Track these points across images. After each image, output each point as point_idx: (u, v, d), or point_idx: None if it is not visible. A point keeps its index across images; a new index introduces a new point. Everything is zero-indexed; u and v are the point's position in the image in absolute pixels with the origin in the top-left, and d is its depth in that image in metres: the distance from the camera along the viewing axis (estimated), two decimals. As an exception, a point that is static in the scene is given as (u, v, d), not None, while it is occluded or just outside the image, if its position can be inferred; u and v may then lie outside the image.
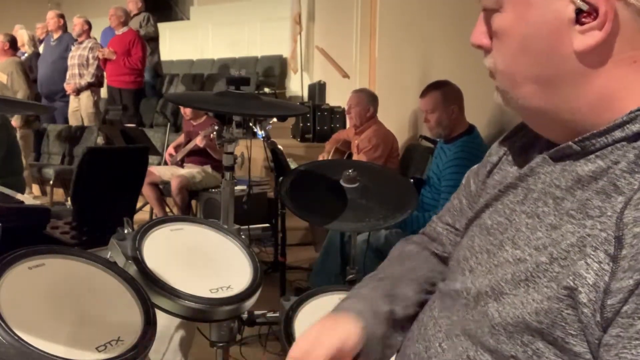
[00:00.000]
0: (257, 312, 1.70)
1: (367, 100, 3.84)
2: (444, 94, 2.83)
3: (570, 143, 0.64)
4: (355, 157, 3.81)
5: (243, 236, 1.40)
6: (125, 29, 6.41)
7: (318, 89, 6.20)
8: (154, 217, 4.41)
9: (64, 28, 6.76)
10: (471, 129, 2.83)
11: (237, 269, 1.29)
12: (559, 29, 0.61)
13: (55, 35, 6.70)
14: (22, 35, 7.05)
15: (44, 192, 6.02)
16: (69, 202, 3.32)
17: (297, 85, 7.34)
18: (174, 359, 1.46)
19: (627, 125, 0.59)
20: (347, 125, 4.79)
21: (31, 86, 5.89)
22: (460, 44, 3.49)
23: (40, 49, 7.11)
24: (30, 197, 4.51)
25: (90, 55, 6.25)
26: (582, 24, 0.59)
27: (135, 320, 1.01)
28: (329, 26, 6.58)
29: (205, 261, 1.29)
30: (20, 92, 5.67)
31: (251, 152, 2.29)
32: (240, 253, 1.34)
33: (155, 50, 7.13)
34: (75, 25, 6.36)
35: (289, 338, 1.28)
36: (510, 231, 0.68)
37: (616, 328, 0.53)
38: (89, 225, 2.03)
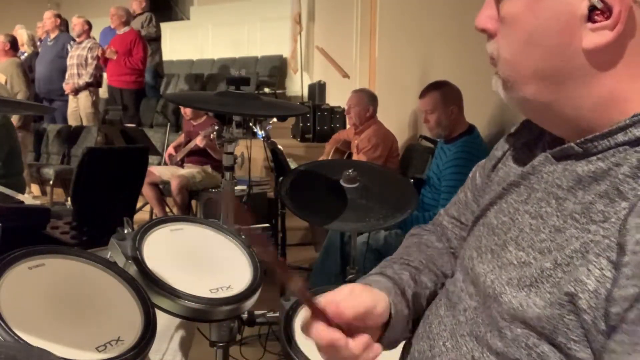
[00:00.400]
0: (257, 312, 1.70)
1: (367, 100, 3.84)
2: (443, 95, 2.84)
3: (572, 144, 0.63)
4: (355, 157, 3.81)
5: (243, 236, 1.40)
6: (126, 28, 6.40)
7: (318, 89, 6.20)
8: (154, 217, 4.41)
9: (60, 28, 6.77)
10: (471, 129, 2.83)
11: (237, 269, 1.28)
12: (570, 25, 0.59)
13: (52, 35, 6.71)
14: (21, 35, 7.06)
15: (43, 192, 6.01)
16: (69, 202, 3.32)
17: (297, 85, 7.34)
18: (173, 359, 1.45)
19: (630, 129, 0.59)
20: (347, 125, 4.79)
21: (30, 87, 5.90)
22: (460, 44, 3.49)
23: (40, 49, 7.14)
24: (30, 197, 4.50)
25: (89, 55, 6.25)
26: (594, 21, 0.58)
27: (135, 320, 1.01)
28: (329, 26, 6.58)
29: (205, 261, 1.29)
30: (20, 94, 5.66)
31: (251, 152, 2.29)
32: (240, 253, 1.34)
33: (157, 51, 7.12)
34: (75, 25, 6.36)
35: (289, 338, 1.28)
36: (513, 231, 0.67)
37: (620, 334, 0.52)
38: (89, 225, 2.03)
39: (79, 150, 5.73)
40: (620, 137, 0.59)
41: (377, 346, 0.71)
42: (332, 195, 1.78)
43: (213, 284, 1.20)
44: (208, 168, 4.41)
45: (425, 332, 0.75)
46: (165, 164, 4.78)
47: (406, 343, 0.80)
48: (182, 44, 8.94)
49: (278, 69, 7.92)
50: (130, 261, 1.14)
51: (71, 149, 5.99)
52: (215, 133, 1.72)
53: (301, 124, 5.40)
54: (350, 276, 1.84)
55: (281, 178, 1.95)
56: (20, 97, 5.65)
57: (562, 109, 0.63)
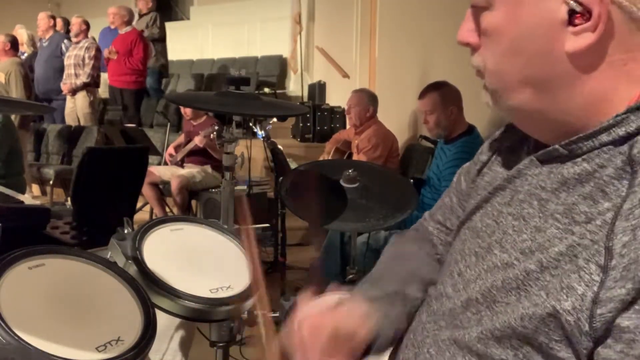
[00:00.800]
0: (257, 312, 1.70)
1: (367, 100, 3.84)
2: (442, 95, 2.84)
3: (557, 146, 0.63)
4: (355, 157, 3.81)
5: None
6: (128, 28, 6.38)
7: (318, 89, 6.20)
8: (154, 217, 4.41)
9: (55, 28, 6.78)
10: (471, 129, 2.83)
11: (237, 269, 1.28)
12: (551, 30, 0.60)
13: (47, 36, 6.72)
14: (21, 35, 7.06)
15: (44, 192, 6.01)
16: (69, 202, 3.32)
17: (297, 85, 7.33)
18: (173, 359, 1.45)
19: (614, 129, 0.59)
20: (347, 125, 4.79)
21: (29, 87, 5.89)
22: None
23: (40, 49, 7.15)
24: (30, 197, 4.51)
25: (86, 55, 6.22)
26: (574, 25, 0.59)
27: (135, 320, 1.01)
28: (329, 26, 6.57)
29: (205, 261, 1.29)
30: (19, 94, 5.66)
31: (251, 152, 2.29)
32: (240, 253, 1.34)
33: (162, 52, 7.04)
34: (73, 25, 6.36)
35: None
36: (497, 234, 0.67)
37: (619, 343, 0.52)
38: (89, 225, 2.03)
39: (79, 150, 5.73)
40: (604, 138, 0.60)
41: None
42: (332, 195, 1.78)
43: (213, 284, 1.20)
44: (208, 168, 4.41)
45: (409, 340, 0.75)
46: (165, 164, 4.78)
47: (392, 352, 0.79)
48: (182, 44, 8.93)
49: (278, 69, 7.92)
50: (130, 261, 1.14)
51: (71, 149, 5.99)
52: (215, 133, 1.72)
53: (301, 124, 5.40)
54: (350, 276, 1.84)
55: (281, 178, 1.95)
56: (18, 96, 5.64)
57: (552, 114, 0.64)
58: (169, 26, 8.56)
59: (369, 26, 5.32)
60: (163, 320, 1.10)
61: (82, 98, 6.28)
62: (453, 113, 2.81)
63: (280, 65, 7.92)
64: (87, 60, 6.23)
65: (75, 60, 6.24)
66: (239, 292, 1.21)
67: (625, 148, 0.58)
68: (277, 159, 2.33)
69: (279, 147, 2.38)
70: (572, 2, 0.58)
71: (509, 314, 0.60)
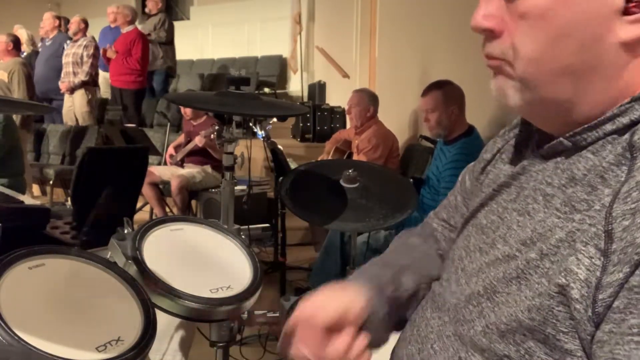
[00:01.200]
0: (257, 312, 1.70)
1: (368, 100, 3.84)
2: (445, 94, 2.84)
3: (561, 139, 0.63)
4: (355, 157, 3.81)
5: (243, 236, 1.40)
6: (130, 27, 6.37)
7: (318, 89, 6.21)
8: (154, 217, 4.41)
9: (59, 28, 6.77)
10: (471, 130, 2.83)
11: (237, 269, 1.28)
12: (605, 17, 0.57)
13: (51, 35, 6.72)
14: (21, 34, 7.05)
15: (44, 192, 6.01)
16: (69, 202, 3.32)
17: (297, 85, 7.34)
18: (173, 359, 1.46)
19: (618, 118, 0.59)
20: (347, 125, 4.79)
21: (32, 88, 5.89)
22: (460, 44, 3.49)
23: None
24: (30, 197, 4.51)
25: (85, 54, 6.18)
26: (630, 13, 0.57)
27: (135, 320, 1.01)
28: (329, 26, 6.58)
29: (205, 261, 1.29)
30: (21, 93, 5.66)
31: (251, 152, 2.29)
32: (240, 253, 1.34)
33: (169, 53, 6.99)
34: (72, 23, 6.34)
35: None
36: (502, 229, 0.67)
37: (609, 323, 0.52)
38: (89, 225, 2.03)
39: (79, 151, 5.73)
40: (609, 127, 0.59)
41: (362, 338, 0.73)
42: (332, 195, 1.78)
43: (213, 284, 1.20)
44: (208, 168, 4.41)
45: (413, 335, 0.75)
46: (165, 164, 4.79)
47: (395, 347, 0.80)
48: (182, 44, 8.92)
49: (278, 69, 7.92)
50: (130, 261, 1.14)
51: (72, 149, 5.99)
52: (215, 133, 1.72)
53: (301, 124, 5.40)
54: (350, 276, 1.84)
55: (281, 178, 1.95)
56: (20, 96, 5.64)
57: (580, 106, 0.62)
58: (169, 26, 8.54)
59: (369, 26, 5.32)
60: (163, 320, 1.10)
61: (80, 97, 6.25)
62: (454, 113, 2.81)
63: (280, 65, 7.92)
64: (85, 59, 6.20)
65: (74, 58, 6.22)
66: (239, 292, 1.21)
67: (627, 136, 0.58)
68: (277, 159, 2.32)
69: (279, 147, 2.37)
70: None
71: (512, 305, 0.60)
